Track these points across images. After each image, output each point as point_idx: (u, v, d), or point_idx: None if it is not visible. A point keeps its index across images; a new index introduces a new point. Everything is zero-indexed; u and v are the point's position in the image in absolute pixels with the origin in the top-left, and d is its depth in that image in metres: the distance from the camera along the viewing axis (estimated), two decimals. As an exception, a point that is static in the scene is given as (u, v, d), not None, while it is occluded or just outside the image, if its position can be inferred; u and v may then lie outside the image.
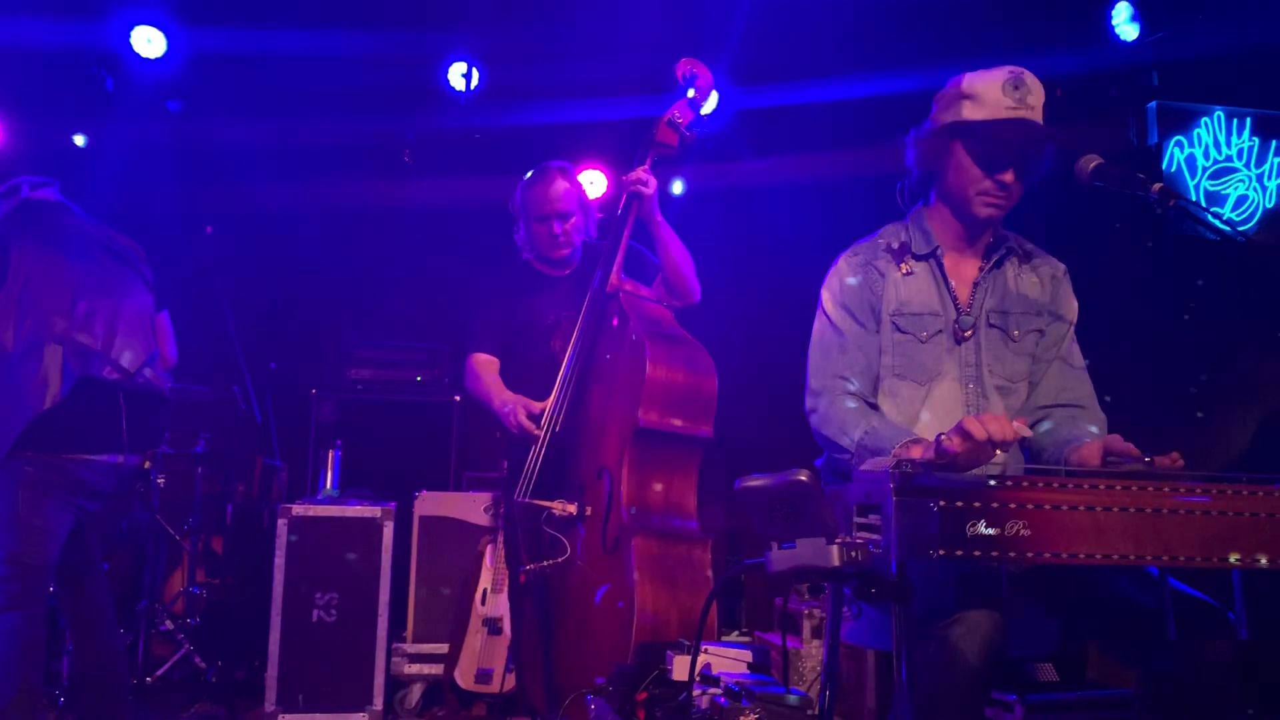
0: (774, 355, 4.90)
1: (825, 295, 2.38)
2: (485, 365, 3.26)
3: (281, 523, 4.19)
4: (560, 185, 3.22)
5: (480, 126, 5.37)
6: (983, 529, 1.61)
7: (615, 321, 2.95)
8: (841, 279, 2.36)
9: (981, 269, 2.36)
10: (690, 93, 3.07)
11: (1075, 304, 2.43)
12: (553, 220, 3.20)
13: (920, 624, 1.80)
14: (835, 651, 1.85)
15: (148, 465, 3.48)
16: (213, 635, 4.60)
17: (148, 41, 4.90)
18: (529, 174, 3.31)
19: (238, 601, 4.74)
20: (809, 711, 1.85)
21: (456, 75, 5.17)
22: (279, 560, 4.15)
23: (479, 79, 5.16)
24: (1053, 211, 4.11)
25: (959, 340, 2.32)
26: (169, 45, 4.91)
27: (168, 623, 4.55)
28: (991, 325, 2.33)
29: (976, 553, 1.61)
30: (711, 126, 5.16)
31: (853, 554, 1.63)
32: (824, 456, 2.37)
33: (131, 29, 4.87)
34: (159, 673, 4.38)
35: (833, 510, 1.77)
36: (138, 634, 4.30)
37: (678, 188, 5.68)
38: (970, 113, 2.22)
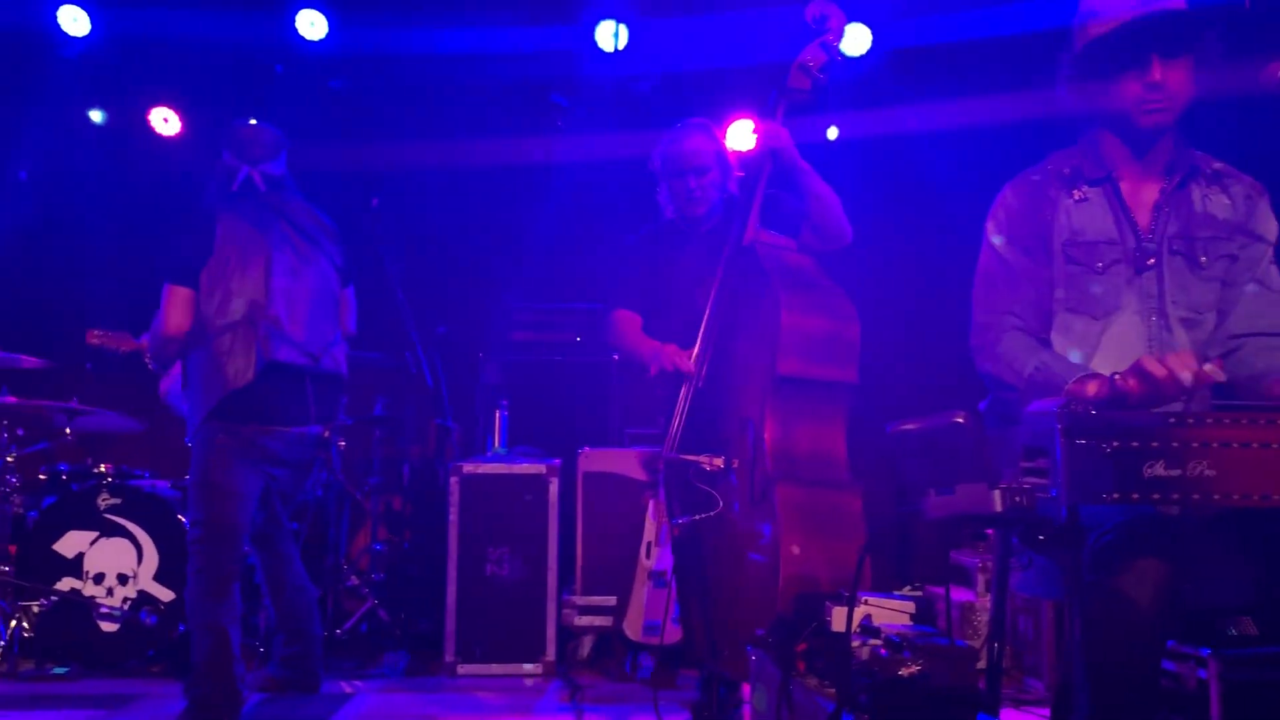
0: (937, 301, 4.72)
1: (990, 226, 2.25)
2: (627, 321, 3.29)
3: (454, 480, 4.34)
4: (697, 140, 3.18)
5: (630, 83, 5.36)
6: (1161, 470, 1.49)
7: (752, 273, 2.91)
8: (1008, 208, 2.23)
9: (1163, 190, 2.18)
10: (823, 35, 2.97)
11: (1276, 223, 2.21)
12: (689, 175, 3.17)
13: (1089, 572, 1.69)
14: (1002, 602, 1.76)
15: (327, 434, 3.67)
16: (396, 590, 4.81)
17: (310, 25, 5.15)
18: (670, 131, 3.30)
19: (418, 557, 4.94)
20: (974, 663, 1.77)
21: (605, 34, 5.18)
22: (452, 517, 4.30)
23: (626, 36, 5.15)
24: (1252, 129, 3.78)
25: (1140, 270, 2.15)
26: (329, 25, 5.13)
27: (354, 578, 4.80)
28: (1175, 252, 2.15)
29: (1155, 496, 1.50)
30: (857, 68, 5.02)
31: (1017, 499, 1.54)
32: (988, 399, 2.25)
33: (295, 14, 5.11)
34: (347, 625, 4.62)
35: (998, 456, 1.68)
36: (326, 590, 4.55)
37: (833, 133, 5.51)
38: (1097, 29, 2.08)
